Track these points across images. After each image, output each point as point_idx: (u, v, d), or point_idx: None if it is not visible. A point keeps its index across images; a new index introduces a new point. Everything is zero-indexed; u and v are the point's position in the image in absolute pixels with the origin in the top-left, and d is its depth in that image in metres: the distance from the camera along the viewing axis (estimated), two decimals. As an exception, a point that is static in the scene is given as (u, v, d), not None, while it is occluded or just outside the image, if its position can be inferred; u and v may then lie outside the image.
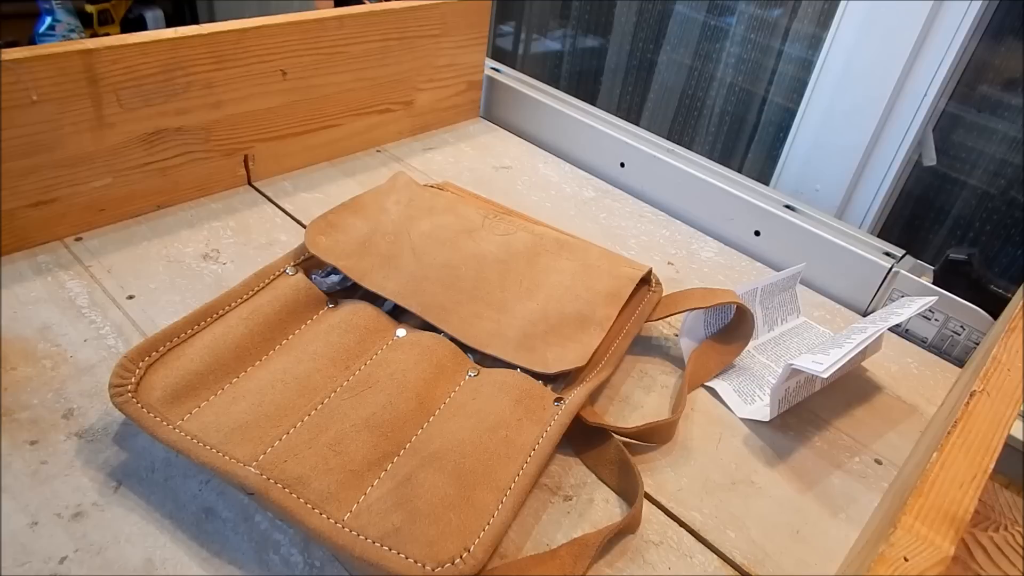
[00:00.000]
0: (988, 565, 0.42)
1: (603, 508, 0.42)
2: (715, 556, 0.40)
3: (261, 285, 0.47)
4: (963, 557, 0.42)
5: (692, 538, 0.41)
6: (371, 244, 0.52)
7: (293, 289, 0.47)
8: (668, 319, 0.57)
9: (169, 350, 0.41)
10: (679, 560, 0.39)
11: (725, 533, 0.41)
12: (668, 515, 0.42)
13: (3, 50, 0.48)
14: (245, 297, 0.46)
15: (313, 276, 0.50)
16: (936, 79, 0.84)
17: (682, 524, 0.42)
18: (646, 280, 0.55)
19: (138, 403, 0.38)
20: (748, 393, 0.51)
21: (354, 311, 0.47)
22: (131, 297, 0.51)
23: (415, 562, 0.33)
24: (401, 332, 0.47)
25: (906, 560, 0.29)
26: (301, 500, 0.35)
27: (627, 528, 0.40)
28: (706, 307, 0.52)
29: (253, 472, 0.36)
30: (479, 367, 0.46)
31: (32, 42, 1.43)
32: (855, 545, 0.42)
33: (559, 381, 0.47)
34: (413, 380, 0.43)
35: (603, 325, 0.49)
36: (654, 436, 0.46)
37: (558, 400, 0.44)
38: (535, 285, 0.51)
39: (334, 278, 0.50)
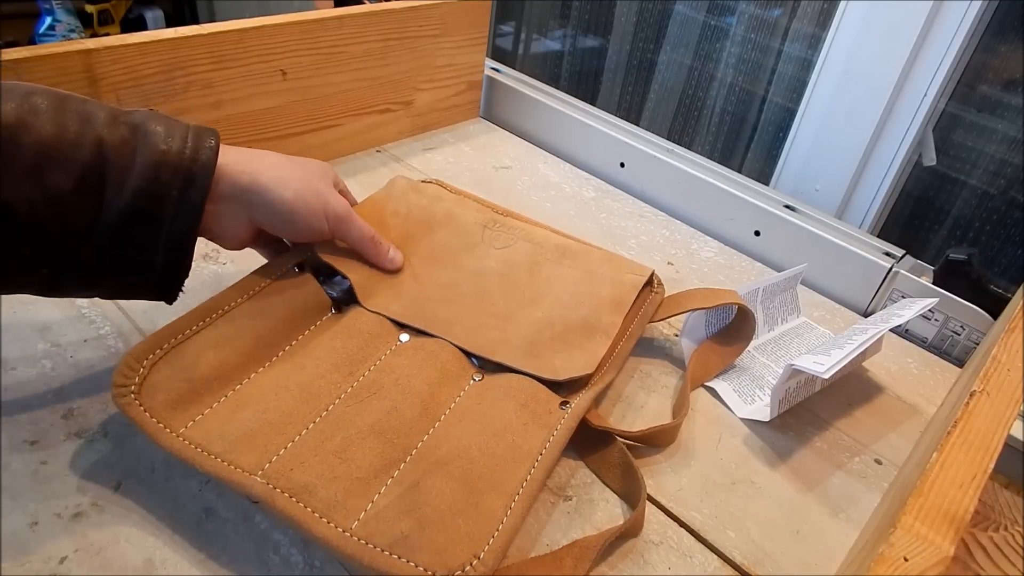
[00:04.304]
0: (988, 565, 0.42)
1: (604, 509, 0.42)
2: (715, 556, 0.40)
3: (269, 280, 0.46)
4: (963, 557, 0.42)
5: (692, 538, 0.41)
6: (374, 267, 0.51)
7: (302, 292, 0.46)
8: (669, 319, 0.56)
9: (173, 347, 0.40)
10: (679, 560, 0.40)
11: (725, 533, 0.41)
12: (668, 515, 0.42)
13: (3, 50, 0.48)
14: (252, 292, 0.45)
15: (322, 277, 0.49)
16: (936, 79, 0.84)
17: (682, 524, 0.42)
18: (648, 282, 0.55)
19: (141, 406, 0.38)
20: (748, 393, 0.51)
21: (357, 316, 0.47)
22: (131, 297, 0.51)
23: (425, 570, 0.33)
24: (404, 337, 0.46)
25: (906, 560, 0.29)
26: (308, 509, 0.35)
27: (629, 532, 0.40)
28: (709, 307, 0.52)
29: (259, 482, 0.36)
30: (483, 372, 0.46)
31: (32, 42, 1.43)
32: (855, 545, 0.42)
33: (564, 385, 0.47)
34: (417, 385, 0.43)
35: (609, 333, 0.48)
36: (658, 440, 0.46)
37: (564, 404, 0.43)
38: (538, 295, 0.50)
39: (345, 283, 0.49)
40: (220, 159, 0.39)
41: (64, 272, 0.37)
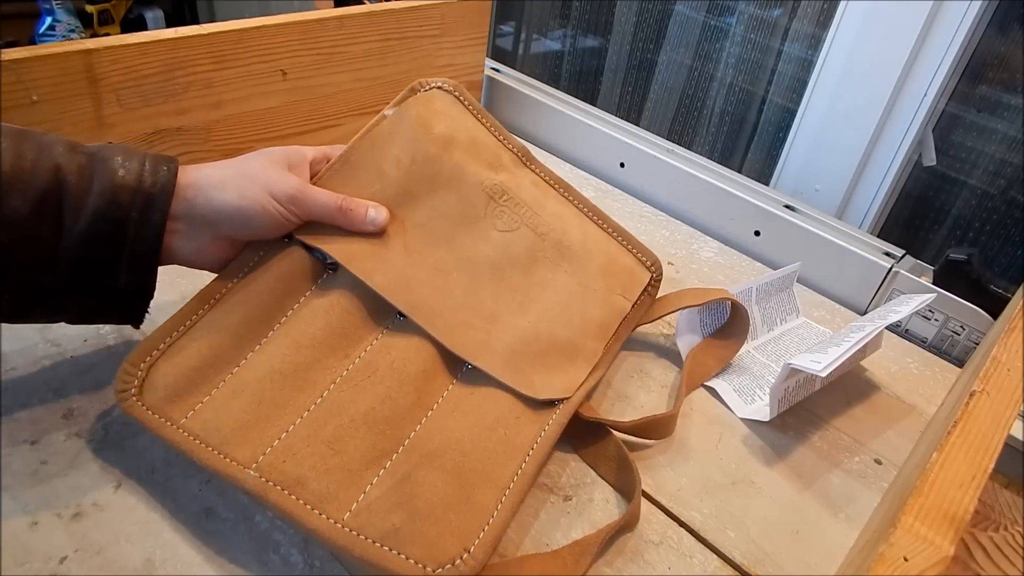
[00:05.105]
0: (988, 565, 0.42)
1: (603, 508, 0.42)
2: (715, 556, 0.40)
3: (255, 259, 0.45)
4: (963, 557, 0.42)
5: (692, 538, 0.41)
6: None
7: (288, 262, 0.45)
8: (666, 318, 0.56)
9: (169, 346, 0.41)
10: (679, 560, 0.40)
11: (725, 533, 0.41)
12: (668, 515, 0.42)
13: (3, 50, 0.48)
14: (239, 276, 0.44)
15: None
16: (936, 79, 0.84)
17: (682, 524, 0.42)
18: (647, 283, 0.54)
19: (143, 406, 0.38)
20: (748, 393, 0.51)
21: (353, 287, 0.45)
22: (131, 297, 0.51)
23: (415, 563, 0.33)
24: (400, 316, 0.45)
25: (906, 560, 0.29)
26: (300, 501, 0.35)
27: (626, 525, 0.40)
28: (699, 304, 0.52)
29: (252, 475, 0.36)
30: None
31: (32, 42, 1.44)
32: (855, 545, 0.42)
33: None
34: (413, 371, 0.42)
35: (590, 360, 0.47)
36: (652, 431, 0.46)
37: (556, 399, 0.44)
38: (528, 300, 0.48)
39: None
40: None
41: (28, 297, 0.37)
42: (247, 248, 0.45)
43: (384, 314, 0.45)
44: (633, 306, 0.52)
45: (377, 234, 0.46)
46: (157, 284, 0.41)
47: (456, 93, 0.53)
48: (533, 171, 0.53)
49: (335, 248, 0.45)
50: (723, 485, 0.44)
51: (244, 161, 0.43)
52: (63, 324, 0.47)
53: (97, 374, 0.45)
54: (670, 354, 0.55)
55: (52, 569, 0.34)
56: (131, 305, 0.41)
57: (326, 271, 0.46)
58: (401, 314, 0.45)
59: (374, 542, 0.34)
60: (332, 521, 0.35)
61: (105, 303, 0.40)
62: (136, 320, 0.42)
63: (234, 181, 0.42)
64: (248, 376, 0.41)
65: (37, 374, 0.44)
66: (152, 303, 0.41)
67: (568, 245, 0.51)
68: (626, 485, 0.42)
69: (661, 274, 0.54)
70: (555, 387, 0.44)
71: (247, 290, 0.43)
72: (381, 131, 0.50)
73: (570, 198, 0.54)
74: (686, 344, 0.54)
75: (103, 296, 0.39)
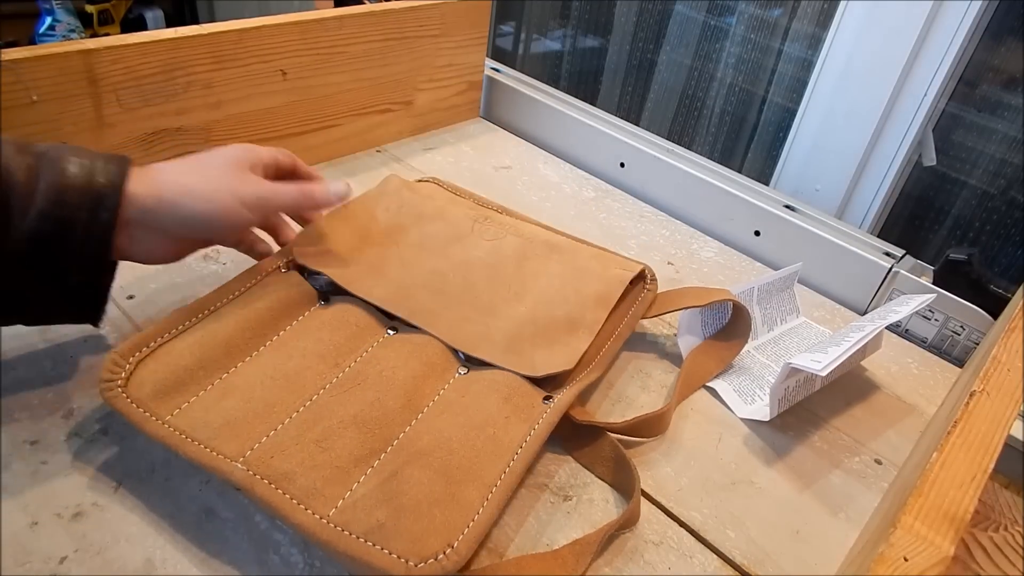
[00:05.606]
0: (988, 565, 0.42)
1: (603, 507, 0.42)
2: (715, 556, 0.40)
3: (254, 280, 0.47)
4: (963, 557, 0.42)
5: (692, 538, 0.41)
6: (359, 253, 0.51)
7: (285, 285, 0.47)
8: (667, 319, 0.56)
9: (160, 345, 0.41)
10: (679, 560, 0.40)
11: (725, 533, 0.41)
12: (668, 515, 0.42)
13: (3, 50, 0.48)
14: (238, 292, 0.46)
15: (307, 272, 0.49)
16: (936, 79, 0.84)
17: (682, 524, 0.42)
18: (641, 277, 0.55)
19: (127, 398, 0.38)
20: (748, 393, 0.51)
21: (345, 308, 0.47)
22: (131, 297, 0.51)
23: (398, 558, 0.34)
24: (391, 331, 0.47)
25: (906, 560, 0.29)
26: (287, 496, 0.36)
27: (626, 522, 0.40)
28: (702, 305, 0.52)
29: (239, 468, 0.36)
30: (468, 366, 0.46)
31: (32, 42, 1.44)
32: (855, 545, 0.42)
33: (548, 381, 0.47)
34: (402, 377, 0.43)
35: (592, 328, 0.48)
36: (644, 430, 0.46)
37: (547, 398, 0.44)
38: (524, 289, 0.50)
39: (327, 276, 0.50)
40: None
41: None
42: (246, 270, 0.47)
43: (374, 333, 0.47)
44: (630, 295, 0.52)
45: (338, 202, 0.48)
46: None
47: (433, 180, 0.62)
48: (512, 217, 0.59)
49: (336, 272, 0.48)
50: (723, 485, 0.44)
51: (206, 166, 0.43)
52: (62, 324, 0.47)
53: (97, 374, 0.44)
54: (671, 355, 0.55)
55: (52, 569, 0.34)
56: (86, 304, 0.41)
57: (320, 299, 0.48)
58: (393, 329, 0.47)
59: (358, 537, 0.34)
60: (317, 516, 0.35)
61: (59, 303, 0.40)
62: (94, 319, 0.42)
63: (200, 186, 0.41)
64: (238, 380, 0.41)
65: (37, 374, 0.44)
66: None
67: (555, 243, 0.55)
68: (625, 483, 0.42)
69: (654, 275, 0.55)
70: (556, 361, 0.45)
71: (244, 305, 0.45)
72: (370, 194, 0.56)
73: (551, 229, 0.58)
74: (687, 345, 0.54)
75: (56, 296, 0.39)
